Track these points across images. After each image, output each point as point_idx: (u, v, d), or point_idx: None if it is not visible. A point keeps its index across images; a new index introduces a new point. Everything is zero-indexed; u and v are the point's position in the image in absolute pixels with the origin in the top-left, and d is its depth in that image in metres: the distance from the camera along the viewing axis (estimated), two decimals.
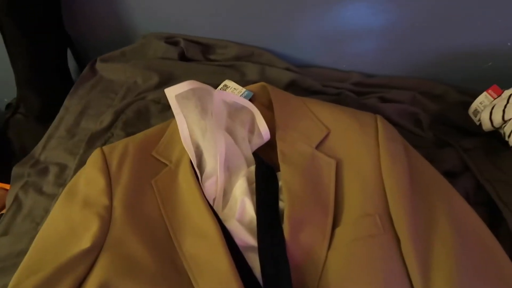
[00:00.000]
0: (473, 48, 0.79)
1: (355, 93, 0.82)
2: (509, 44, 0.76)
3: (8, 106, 1.05)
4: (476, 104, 0.76)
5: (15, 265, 0.57)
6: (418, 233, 0.53)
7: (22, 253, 0.60)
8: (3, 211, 1.02)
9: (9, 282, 0.52)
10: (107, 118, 0.77)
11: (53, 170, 0.72)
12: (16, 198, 0.70)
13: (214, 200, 0.60)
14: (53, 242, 0.55)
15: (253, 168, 0.63)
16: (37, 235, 0.57)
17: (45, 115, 0.93)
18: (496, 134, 0.73)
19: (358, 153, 0.61)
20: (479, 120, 0.73)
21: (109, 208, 0.57)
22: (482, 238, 0.55)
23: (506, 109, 0.68)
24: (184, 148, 0.62)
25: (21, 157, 1.06)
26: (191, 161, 0.61)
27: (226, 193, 0.62)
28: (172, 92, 0.60)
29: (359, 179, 0.59)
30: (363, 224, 0.55)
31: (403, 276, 0.52)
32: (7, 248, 0.63)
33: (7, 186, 1.08)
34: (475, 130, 0.75)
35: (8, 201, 0.70)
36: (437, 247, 0.53)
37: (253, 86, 0.72)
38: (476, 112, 0.76)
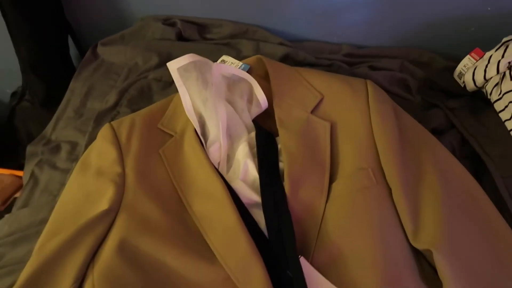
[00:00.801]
0: (456, 14, 0.83)
1: (346, 63, 0.87)
2: (489, 8, 0.81)
3: (14, 94, 1.08)
4: (460, 67, 0.80)
5: (38, 233, 0.62)
6: (407, 182, 0.58)
7: (43, 221, 0.65)
8: (16, 195, 1.07)
9: (33, 248, 0.57)
10: (112, 98, 0.81)
11: (65, 147, 0.76)
12: (32, 174, 0.74)
13: (218, 164, 0.65)
14: (71, 208, 0.60)
15: (253, 134, 0.67)
16: (56, 204, 0.62)
17: (50, 100, 0.97)
18: (480, 94, 0.77)
19: (350, 115, 0.66)
20: (463, 81, 0.78)
21: (122, 175, 0.61)
22: (466, 183, 0.61)
23: (487, 69, 0.72)
24: (187, 119, 0.67)
25: (27, 143, 1.10)
26: (195, 130, 0.65)
27: (230, 157, 0.66)
28: (174, 65, 0.64)
29: (352, 138, 0.64)
30: (357, 177, 0.60)
31: (395, 222, 0.57)
32: (28, 219, 0.67)
33: (15, 172, 1.12)
34: (460, 92, 0.79)
35: (25, 177, 0.74)
36: (425, 193, 0.58)
37: (249, 59, 0.76)
38: (460, 74, 0.80)
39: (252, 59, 0.76)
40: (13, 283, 0.60)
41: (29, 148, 0.77)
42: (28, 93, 1.00)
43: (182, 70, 0.65)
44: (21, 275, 0.53)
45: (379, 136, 0.62)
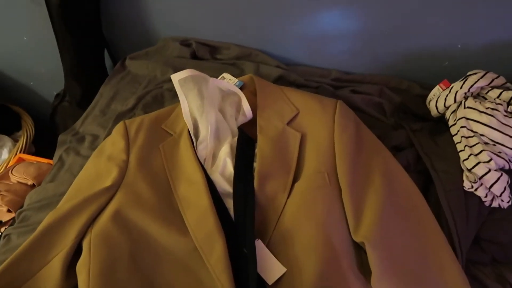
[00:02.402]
0: (432, 49, 0.94)
1: (332, 86, 0.99)
2: (459, 46, 0.91)
3: (57, 96, 1.28)
4: (430, 95, 0.90)
5: (58, 202, 0.78)
6: (355, 185, 0.69)
7: (63, 194, 0.79)
8: None
9: None
10: (131, 102, 0.98)
11: (88, 138, 0.93)
12: (60, 158, 0.91)
13: (205, 160, 0.78)
14: (85, 182, 0.75)
15: (236, 138, 0.80)
16: (74, 180, 0.77)
17: (85, 102, 1.15)
18: (444, 120, 0.86)
19: (318, 128, 0.77)
20: (430, 108, 0.87)
21: (126, 162, 0.75)
22: (408, 191, 0.70)
23: (447, 98, 0.82)
24: (186, 123, 0.80)
25: None
26: (189, 131, 0.79)
27: (215, 155, 0.79)
28: (176, 77, 0.79)
29: (317, 147, 0.75)
30: (315, 178, 0.70)
31: (341, 217, 0.67)
32: (53, 191, 0.84)
33: (52, 162, 1.31)
34: (429, 117, 0.89)
35: (54, 159, 0.91)
36: (369, 196, 0.68)
37: (244, 77, 0.90)
38: (430, 102, 0.90)
39: (246, 77, 0.90)
40: None
41: (61, 137, 0.94)
42: (68, 95, 1.19)
43: (182, 81, 0.79)
44: (38, 227, 0.68)
45: (337, 145, 0.73)
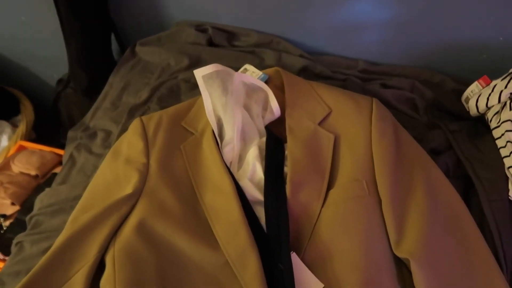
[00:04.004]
0: (469, 41, 0.88)
1: (360, 79, 0.93)
2: (501, 38, 0.84)
3: (60, 81, 1.21)
4: (468, 92, 0.84)
5: (72, 207, 0.73)
6: (397, 196, 0.64)
7: (77, 198, 0.75)
8: (55, 170, 1.19)
9: (67, 219, 0.67)
10: (144, 94, 0.91)
11: (100, 135, 0.87)
12: (71, 156, 0.85)
13: (231, 163, 0.72)
14: (102, 189, 0.69)
15: (264, 139, 0.74)
16: (89, 184, 0.72)
17: (91, 90, 1.08)
18: (482, 120, 0.81)
19: (353, 130, 0.72)
20: (469, 106, 0.82)
21: (146, 165, 0.70)
22: (452, 202, 0.66)
23: (490, 97, 0.76)
24: (207, 121, 0.75)
25: (68, 125, 1.23)
26: (213, 131, 0.73)
27: (241, 158, 0.74)
28: (199, 73, 0.72)
29: (352, 151, 0.70)
30: (352, 187, 0.66)
31: (382, 231, 0.63)
32: (65, 194, 0.78)
33: (55, 150, 1.25)
34: (464, 115, 0.84)
35: (64, 158, 0.85)
36: (412, 208, 0.64)
37: (269, 70, 0.84)
38: (467, 99, 0.84)
39: (271, 70, 0.83)
40: (49, 247, 0.70)
41: (70, 133, 0.88)
42: (73, 81, 1.12)
43: (206, 77, 0.73)
44: (56, 241, 0.63)
45: (376, 151, 0.68)
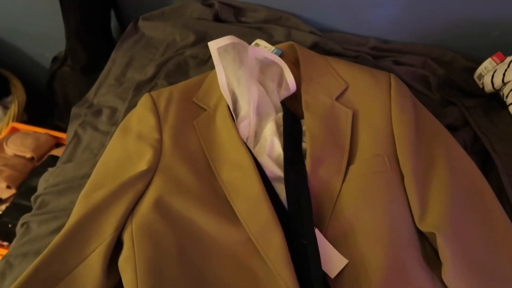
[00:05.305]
0: (481, 18, 0.87)
1: (372, 56, 0.91)
2: None
3: (55, 59, 1.15)
4: (481, 69, 0.84)
5: (80, 186, 0.69)
6: (419, 171, 0.63)
7: (85, 176, 0.72)
8: (52, 153, 1.15)
9: (76, 198, 0.64)
10: (150, 70, 0.87)
11: (105, 112, 0.83)
12: (76, 133, 0.81)
13: (247, 139, 0.70)
14: (113, 166, 0.66)
15: (280, 114, 0.72)
16: (98, 162, 0.69)
17: (90, 67, 1.04)
18: (496, 96, 0.81)
19: (372, 105, 0.71)
20: (482, 83, 0.82)
21: (160, 141, 0.67)
22: (473, 176, 0.66)
23: (506, 73, 0.76)
24: (220, 95, 0.72)
25: (63, 106, 1.18)
26: (227, 106, 0.71)
27: (257, 134, 0.71)
28: (214, 45, 0.69)
29: (372, 126, 0.69)
30: (373, 162, 0.65)
31: (404, 205, 0.62)
32: (72, 173, 0.75)
33: (50, 132, 1.20)
34: (477, 92, 0.83)
35: (69, 136, 0.81)
36: (434, 181, 0.63)
37: (282, 45, 0.81)
38: (480, 76, 0.84)
39: (284, 45, 0.81)
40: (58, 227, 0.68)
41: (74, 110, 0.84)
42: (70, 59, 1.07)
43: (221, 50, 0.70)
44: (69, 219, 0.60)
45: (396, 126, 0.67)
